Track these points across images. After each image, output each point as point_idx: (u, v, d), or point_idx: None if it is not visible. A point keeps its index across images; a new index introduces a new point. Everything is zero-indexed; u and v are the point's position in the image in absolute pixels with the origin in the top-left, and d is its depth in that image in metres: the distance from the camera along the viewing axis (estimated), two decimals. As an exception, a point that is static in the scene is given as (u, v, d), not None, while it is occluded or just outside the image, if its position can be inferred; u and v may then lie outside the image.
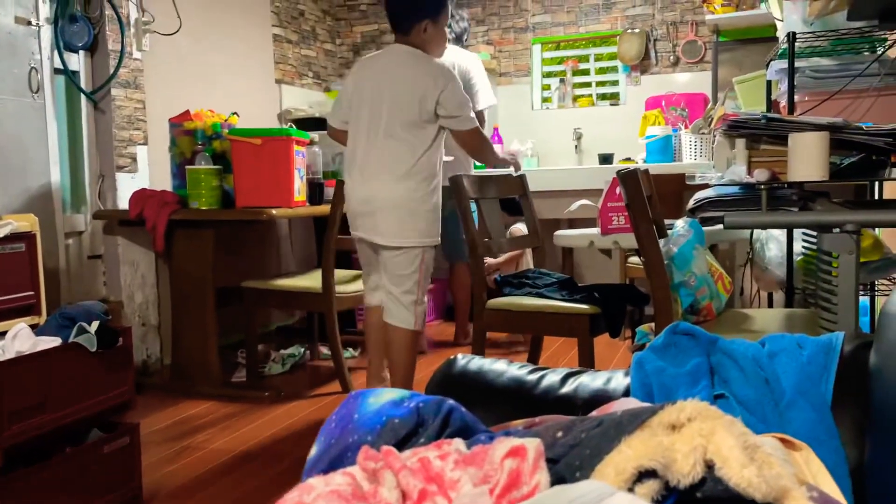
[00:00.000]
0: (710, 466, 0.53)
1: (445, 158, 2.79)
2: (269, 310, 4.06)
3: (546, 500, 0.46)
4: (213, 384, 3.02)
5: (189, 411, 2.80)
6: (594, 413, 0.75)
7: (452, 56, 3.68)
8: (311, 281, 3.11)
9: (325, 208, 3.14)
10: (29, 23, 2.93)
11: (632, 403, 0.76)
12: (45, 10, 3.00)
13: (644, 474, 0.54)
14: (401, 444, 0.67)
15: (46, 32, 3.00)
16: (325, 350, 3.57)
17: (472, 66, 3.51)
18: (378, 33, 5.10)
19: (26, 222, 2.00)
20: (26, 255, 1.99)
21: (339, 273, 3.19)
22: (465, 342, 3.74)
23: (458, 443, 0.61)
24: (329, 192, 3.32)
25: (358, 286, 3.24)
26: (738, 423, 0.56)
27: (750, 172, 1.77)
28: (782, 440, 0.75)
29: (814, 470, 0.73)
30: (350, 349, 3.64)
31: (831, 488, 0.70)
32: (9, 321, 1.92)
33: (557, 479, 0.57)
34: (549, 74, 4.87)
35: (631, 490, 0.54)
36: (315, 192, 3.36)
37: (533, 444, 0.54)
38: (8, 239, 1.93)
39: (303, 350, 3.59)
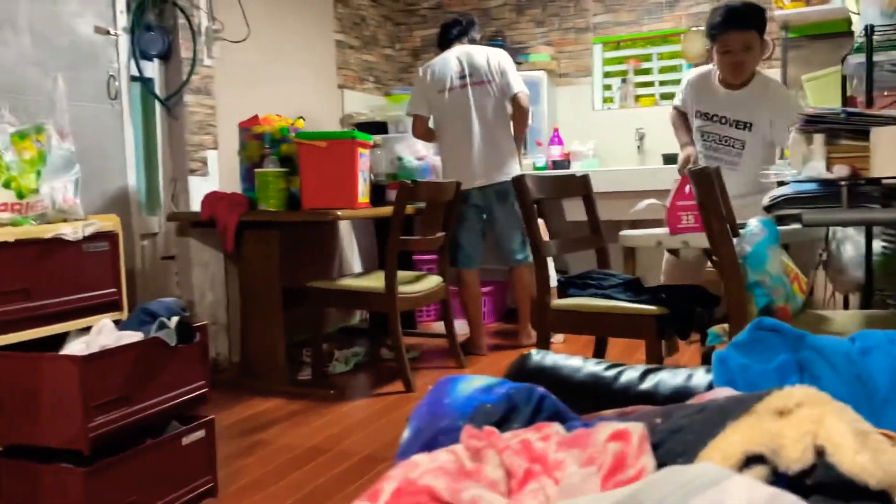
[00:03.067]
0: (819, 453, 0.53)
1: None
2: (332, 310, 4.13)
3: (659, 481, 0.46)
4: (280, 382, 3.08)
5: (258, 408, 2.87)
6: (692, 401, 0.75)
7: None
8: (375, 281, 3.15)
9: (387, 209, 3.18)
10: (108, 32, 3.06)
11: (728, 393, 0.75)
12: (123, 20, 3.13)
13: (751, 460, 0.53)
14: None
15: (124, 41, 3.13)
16: (386, 350, 3.61)
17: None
18: (438, 37, 5.12)
19: (110, 222, 2.08)
20: (109, 254, 2.07)
21: (401, 274, 3.23)
22: (527, 343, 3.72)
23: (558, 426, 0.61)
24: (391, 194, 3.37)
25: (419, 287, 3.27)
26: (848, 410, 0.54)
27: (829, 168, 1.73)
28: (885, 436, 0.73)
29: (918, 466, 0.70)
30: (411, 350, 3.67)
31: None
32: (93, 317, 2.00)
33: (659, 465, 0.57)
34: (610, 74, 4.82)
35: (736, 476, 0.53)
36: (377, 194, 3.41)
37: (637, 428, 0.54)
38: (93, 238, 2.01)
39: (365, 350, 3.63)
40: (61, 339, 1.96)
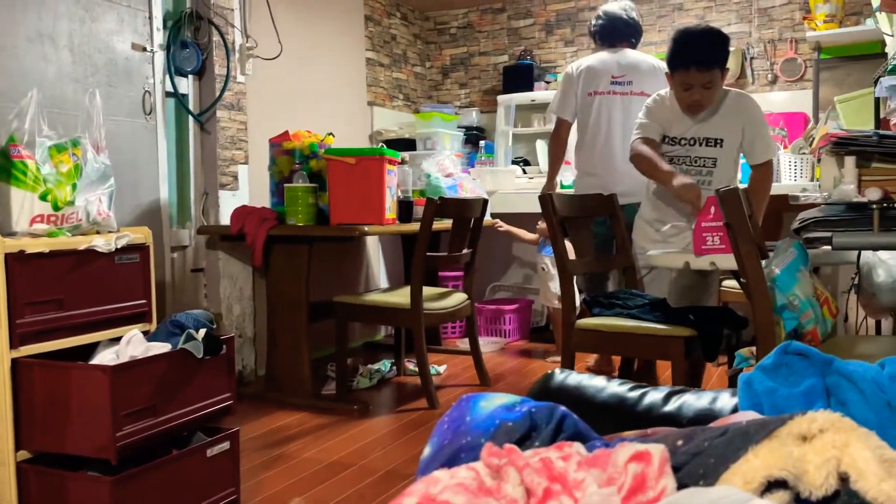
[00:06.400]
0: (843, 479, 0.52)
1: None
2: (357, 325, 4.14)
3: (681, 502, 0.46)
4: (304, 396, 3.10)
5: (282, 421, 2.88)
6: (714, 424, 0.74)
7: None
8: (400, 297, 3.16)
9: (414, 226, 3.20)
10: (144, 49, 3.13)
11: (752, 416, 0.75)
12: (159, 38, 3.20)
13: (772, 484, 0.53)
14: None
15: (159, 58, 3.20)
16: (410, 366, 3.61)
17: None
18: (467, 56, 5.17)
19: (141, 234, 2.12)
20: (140, 266, 2.11)
21: (427, 290, 3.24)
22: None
23: (578, 446, 0.61)
24: (418, 210, 3.39)
25: (445, 303, 3.27)
26: (873, 436, 0.54)
27: (860, 191, 1.70)
28: (912, 463, 0.71)
29: (948, 496, 0.69)
30: (435, 366, 3.67)
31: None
32: (123, 327, 2.04)
33: (679, 487, 0.57)
34: (638, 95, 4.80)
35: (758, 501, 0.53)
36: (405, 210, 3.44)
37: (658, 450, 0.54)
38: (125, 250, 2.05)
39: (390, 365, 3.64)
40: (91, 348, 1.99)
